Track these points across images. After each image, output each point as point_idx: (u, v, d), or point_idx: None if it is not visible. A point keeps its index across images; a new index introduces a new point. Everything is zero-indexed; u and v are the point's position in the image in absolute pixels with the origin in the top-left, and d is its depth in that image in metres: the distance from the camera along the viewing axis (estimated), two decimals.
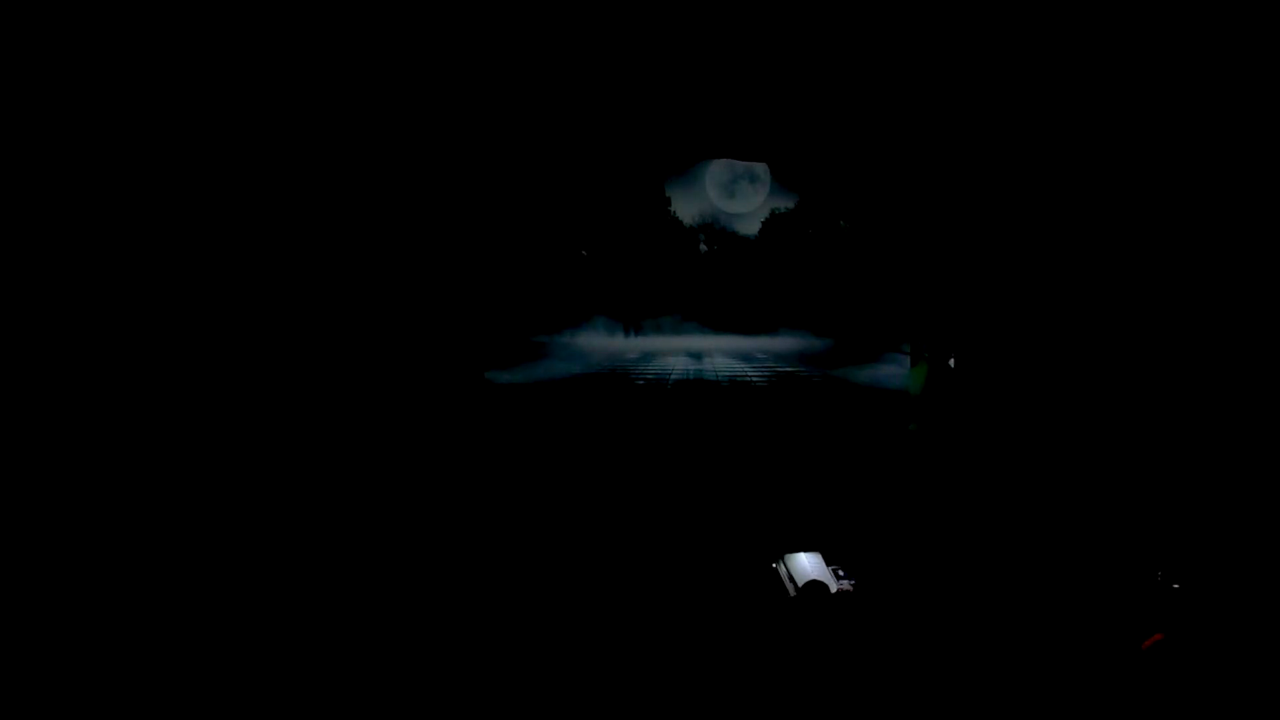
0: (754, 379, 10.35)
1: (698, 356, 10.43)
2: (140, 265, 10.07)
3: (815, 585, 6.26)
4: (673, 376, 10.44)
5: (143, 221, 10.02)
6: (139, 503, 9.98)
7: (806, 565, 6.46)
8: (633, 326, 10.50)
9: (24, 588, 6.68)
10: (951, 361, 8.71)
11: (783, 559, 6.55)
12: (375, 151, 10.42)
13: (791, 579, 6.38)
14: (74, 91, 8.83)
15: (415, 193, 10.48)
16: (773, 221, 10.35)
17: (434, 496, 10.13)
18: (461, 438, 10.48)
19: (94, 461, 9.85)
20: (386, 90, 10.02)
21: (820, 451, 9.97)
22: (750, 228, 10.39)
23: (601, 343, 10.51)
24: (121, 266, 10.19)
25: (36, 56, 8.57)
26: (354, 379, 10.16)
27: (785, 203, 10.35)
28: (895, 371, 10.08)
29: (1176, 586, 6.28)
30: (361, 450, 10.17)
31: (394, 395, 10.40)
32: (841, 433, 9.69)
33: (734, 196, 10.43)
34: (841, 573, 6.40)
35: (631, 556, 9.09)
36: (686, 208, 10.47)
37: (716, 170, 10.42)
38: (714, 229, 10.43)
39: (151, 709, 4.63)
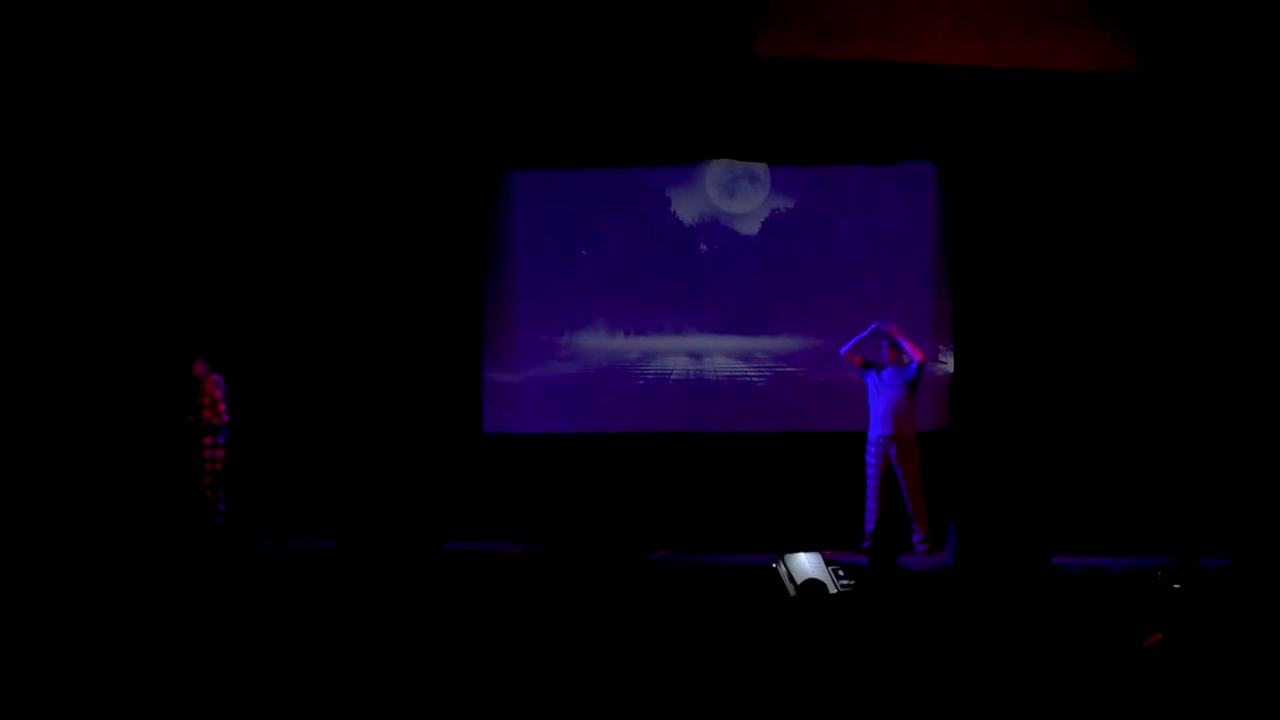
0: (754, 379, 10.34)
1: (698, 356, 10.41)
2: None
3: (815, 585, 6.26)
4: (673, 376, 10.43)
5: None
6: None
7: (806, 565, 6.46)
8: (633, 327, 10.48)
9: None
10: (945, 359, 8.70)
11: (782, 559, 6.55)
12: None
13: (791, 579, 6.38)
14: None
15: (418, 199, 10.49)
16: (772, 221, 10.34)
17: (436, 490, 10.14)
18: (462, 440, 10.48)
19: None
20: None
21: (821, 450, 9.95)
22: (750, 228, 10.38)
23: (602, 343, 10.50)
24: None
25: None
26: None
27: (785, 203, 10.33)
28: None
29: (1177, 586, 6.27)
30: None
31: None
32: (841, 432, 9.67)
33: (734, 196, 10.42)
34: (841, 573, 6.40)
35: (629, 553, 9.08)
36: (686, 208, 10.46)
37: (716, 170, 10.40)
38: (714, 229, 10.42)
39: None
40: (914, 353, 9.13)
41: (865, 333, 9.25)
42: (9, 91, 9.58)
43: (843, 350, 9.31)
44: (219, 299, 10.43)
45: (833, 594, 6.23)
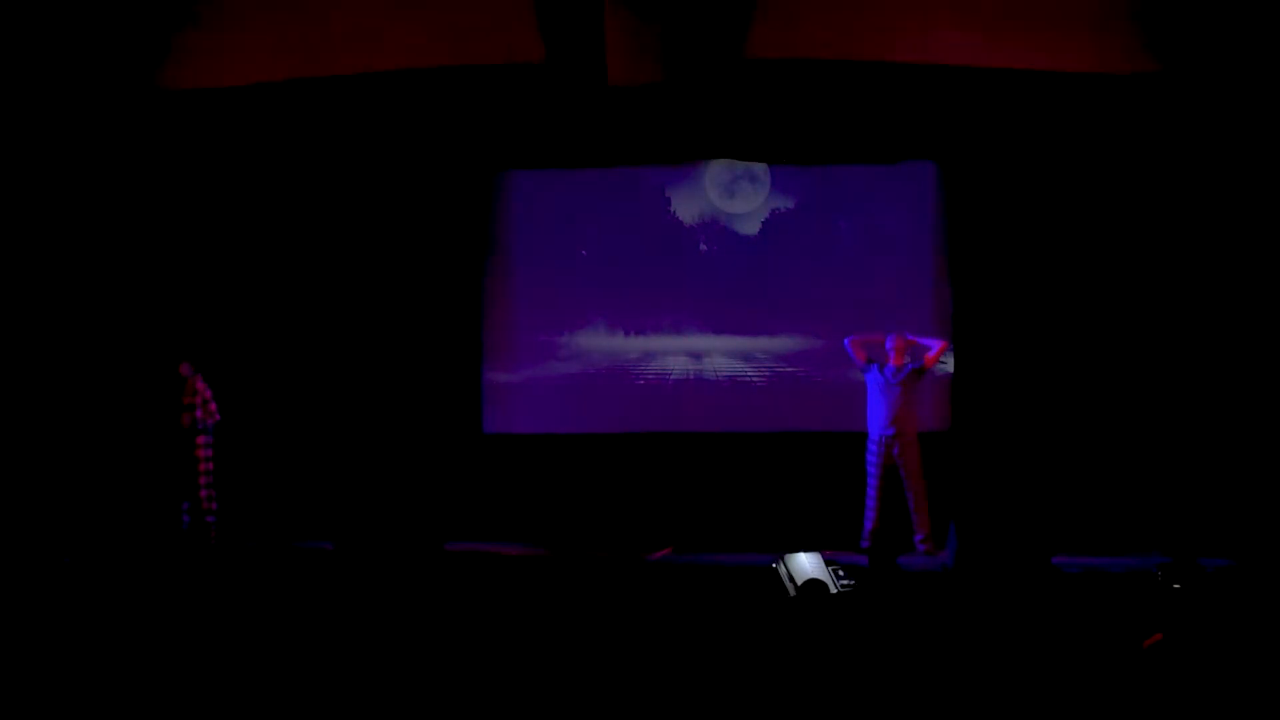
0: (754, 379, 10.34)
1: (698, 356, 10.41)
2: None
3: (815, 585, 6.27)
4: (672, 376, 10.43)
5: None
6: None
7: (806, 565, 6.47)
8: (633, 327, 10.48)
9: None
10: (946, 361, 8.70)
11: (783, 559, 6.56)
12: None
13: (791, 579, 6.39)
14: None
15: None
16: (772, 221, 10.34)
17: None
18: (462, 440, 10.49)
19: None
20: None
21: (821, 450, 9.95)
22: (750, 228, 10.38)
23: (602, 343, 10.49)
24: None
25: None
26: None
27: (785, 203, 10.33)
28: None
29: (1177, 587, 6.28)
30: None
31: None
32: (841, 432, 9.67)
33: (734, 196, 10.42)
34: (841, 573, 6.41)
35: (628, 553, 9.09)
36: (686, 208, 10.46)
37: (716, 170, 10.40)
38: (714, 229, 10.42)
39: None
40: (934, 344, 9.22)
41: (877, 336, 9.27)
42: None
43: (848, 340, 9.28)
44: (218, 300, 10.42)
45: (833, 594, 6.24)
